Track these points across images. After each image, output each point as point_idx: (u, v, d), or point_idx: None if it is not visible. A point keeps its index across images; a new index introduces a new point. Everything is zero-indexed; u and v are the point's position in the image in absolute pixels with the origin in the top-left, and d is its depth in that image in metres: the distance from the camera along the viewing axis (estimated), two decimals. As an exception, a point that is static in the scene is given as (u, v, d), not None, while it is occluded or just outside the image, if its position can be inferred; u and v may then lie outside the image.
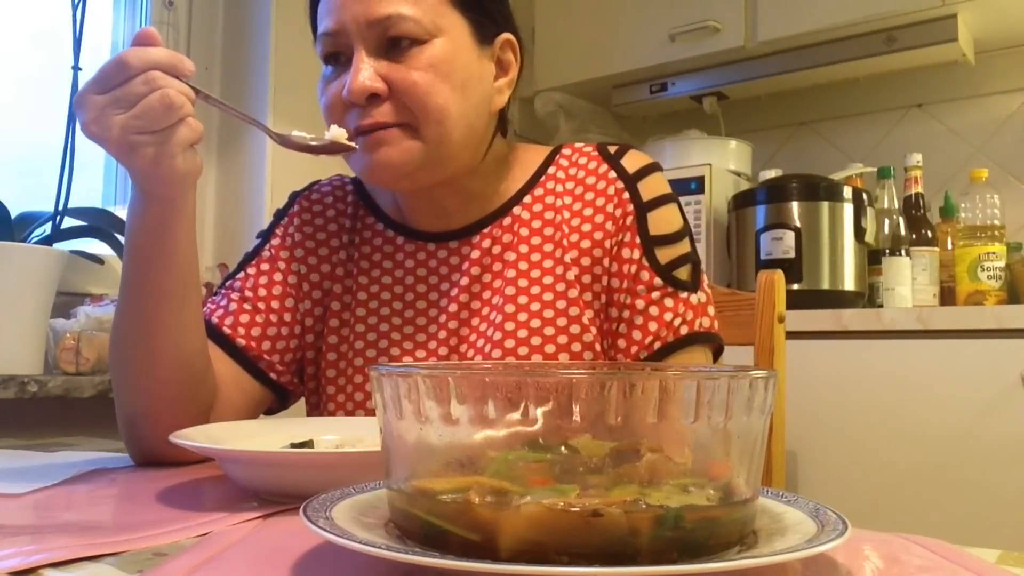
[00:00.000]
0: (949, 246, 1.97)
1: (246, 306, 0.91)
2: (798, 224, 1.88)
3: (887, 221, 1.98)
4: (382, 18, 0.80)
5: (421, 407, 0.40)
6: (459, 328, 0.89)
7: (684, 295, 0.87)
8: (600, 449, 0.39)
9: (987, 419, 1.54)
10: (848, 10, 1.99)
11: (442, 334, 0.89)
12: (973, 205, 1.90)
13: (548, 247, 0.89)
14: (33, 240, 1.45)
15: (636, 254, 0.87)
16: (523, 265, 0.89)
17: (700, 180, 2.02)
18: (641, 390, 0.39)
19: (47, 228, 1.46)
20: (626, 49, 2.29)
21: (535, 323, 0.86)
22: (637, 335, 0.86)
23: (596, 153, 0.93)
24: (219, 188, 1.87)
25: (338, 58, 0.84)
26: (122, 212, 1.72)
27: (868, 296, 1.94)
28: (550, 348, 0.85)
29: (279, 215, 1.00)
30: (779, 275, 1.14)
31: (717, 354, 0.91)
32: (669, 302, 0.86)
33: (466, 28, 0.84)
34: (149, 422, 0.79)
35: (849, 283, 1.89)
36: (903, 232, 1.96)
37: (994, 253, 1.82)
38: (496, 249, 0.90)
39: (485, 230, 0.91)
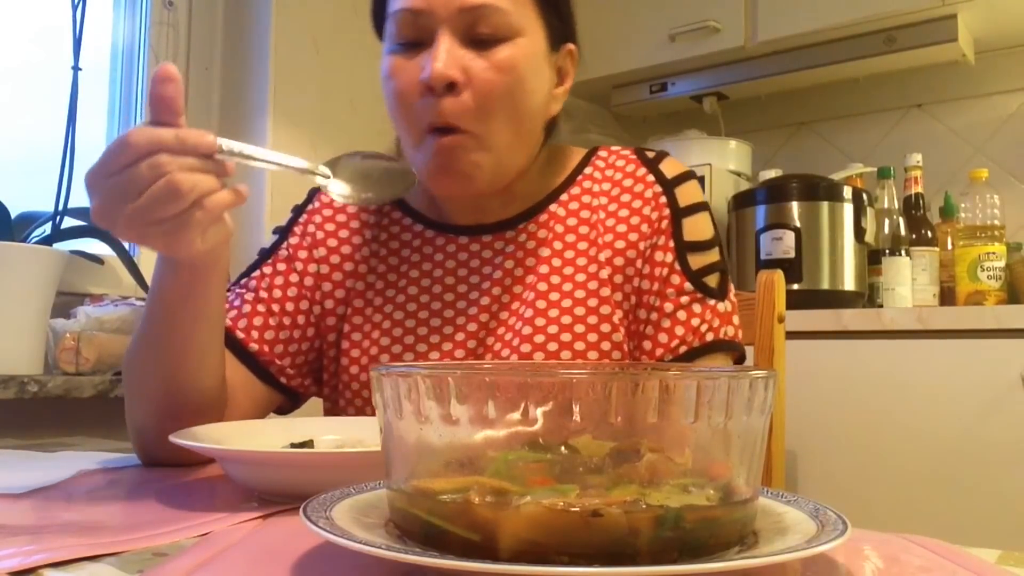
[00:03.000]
0: (949, 246, 1.97)
1: (260, 308, 0.90)
2: (798, 224, 1.88)
3: (887, 221, 1.98)
4: (475, 6, 0.78)
5: (421, 407, 0.40)
6: (489, 322, 0.88)
7: (712, 302, 0.87)
8: (600, 449, 0.39)
9: (987, 419, 1.54)
10: (848, 10, 1.99)
11: (472, 327, 0.88)
12: (973, 205, 1.90)
13: (582, 245, 0.89)
14: (33, 240, 1.45)
15: (669, 257, 0.87)
16: (556, 262, 0.88)
17: (700, 180, 2.02)
18: (641, 390, 0.39)
19: (47, 228, 1.46)
20: (626, 49, 2.29)
21: (566, 319, 0.86)
22: (663, 337, 0.86)
23: (634, 156, 0.93)
24: (219, 188, 1.87)
25: (411, 39, 0.81)
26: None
27: (868, 296, 1.94)
28: (579, 345, 0.85)
29: (298, 211, 0.97)
30: (779, 275, 1.14)
31: (738, 363, 0.92)
32: (697, 307, 0.86)
33: (543, 31, 0.84)
34: (160, 435, 0.79)
35: (849, 283, 1.89)
36: (903, 232, 1.96)
37: (994, 253, 1.82)
38: (531, 244, 0.90)
39: (520, 225, 0.90)
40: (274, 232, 0.97)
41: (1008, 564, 0.46)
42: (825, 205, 1.89)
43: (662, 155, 0.94)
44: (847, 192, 1.90)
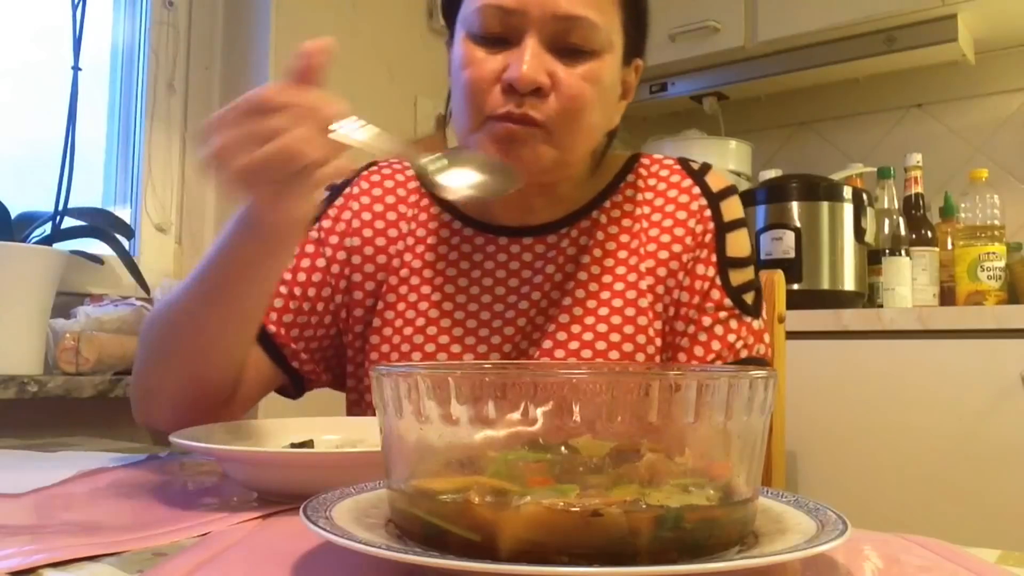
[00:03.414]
0: (949, 246, 1.97)
1: (282, 289, 0.88)
2: (798, 224, 1.88)
3: (887, 221, 1.98)
4: (571, 17, 0.77)
5: (421, 407, 0.40)
6: (526, 327, 0.87)
7: (748, 319, 0.87)
8: (600, 449, 0.39)
9: (987, 419, 1.54)
10: (848, 10, 1.99)
11: (509, 331, 0.87)
12: (973, 205, 1.90)
13: (622, 254, 0.88)
14: (33, 240, 1.45)
15: (711, 272, 0.87)
16: (595, 269, 0.88)
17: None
18: (642, 390, 0.39)
19: (47, 228, 1.46)
20: (626, 49, 2.29)
21: (602, 327, 0.85)
22: (699, 351, 0.86)
23: (679, 167, 0.93)
24: (219, 188, 1.87)
25: (496, 35, 0.79)
26: (122, 212, 1.72)
27: (868, 296, 1.94)
28: (614, 355, 0.84)
29: (335, 191, 0.94)
30: (779, 275, 1.14)
31: None
32: (734, 324, 0.86)
33: (622, 47, 0.84)
34: (169, 403, 0.79)
35: (849, 283, 1.89)
36: (903, 232, 1.96)
37: (994, 253, 1.82)
38: (571, 251, 0.89)
39: (563, 231, 0.89)
40: None
41: (1008, 564, 0.46)
42: (825, 205, 1.89)
43: (707, 167, 0.93)
44: (847, 192, 1.90)
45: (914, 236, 1.96)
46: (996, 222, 1.87)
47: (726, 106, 2.38)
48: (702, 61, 2.23)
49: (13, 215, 1.45)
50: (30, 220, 1.47)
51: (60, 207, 1.45)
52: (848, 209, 1.90)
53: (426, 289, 0.89)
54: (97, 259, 1.59)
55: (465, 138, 0.83)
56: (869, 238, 1.92)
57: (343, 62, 1.97)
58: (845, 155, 2.29)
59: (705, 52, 2.19)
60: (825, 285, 1.87)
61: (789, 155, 2.40)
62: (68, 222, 1.47)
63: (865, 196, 1.93)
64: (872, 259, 1.95)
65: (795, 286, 1.84)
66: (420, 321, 0.88)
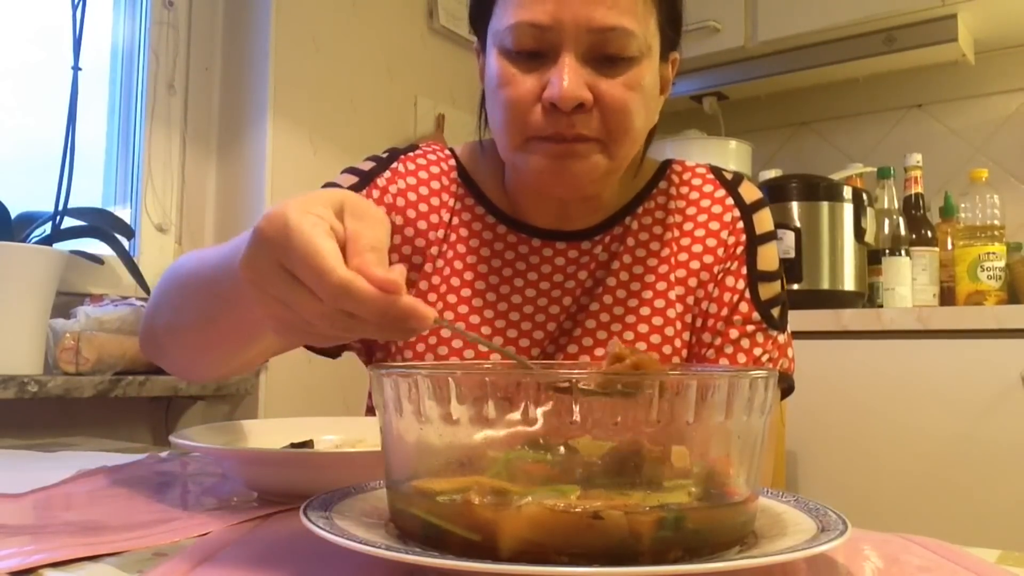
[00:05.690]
0: (949, 246, 1.97)
1: None
2: (798, 224, 1.88)
3: (887, 221, 1.98)
4: (606, 28, 0.75)
5: (421, 407, 0.40)
6: (555, 331, 0.87)
7: (773, 333, 0.87)
8: (600, 449, 0.39)
9: (987, 419, 1.54)
10: (848, 10, 1.99)
11: (538, 335, 0.86)
12: (973, 205, 1.90)
13: (652, 262, 0.88)
14: (33, 240, 1.45)
15: (740, 284, 0.87)
16: (624, 276, 0.87)
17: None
18: (642, 390, 0.39)
19: (47, 228, 1.46)
20: (626, 49, 2.29)
21: (628, 336, 0.85)
22: (724, 363, 0.85)
23: (712, 176, 0.92)
24: (219, 188, 1.87)
25: (531, 50, 0.77)
26: (122, 212, 1.72)
27: (868, 296, 1.94)
28: None
29: (382, 164, 0.90)
30: (779, 275, 1.14)
31: (787, 393, 0.91)
32: (760, 337, 0.86)
33: (659, 45, 0.82)
34: (179, 357, 0.78)
35: (849, 283, 1.89)
36: (903, 232, 1.96)
37: (994, 253, 1.82)
38: (603, 257, 0.88)
39: (596, 237, 0.89)
40: (350, 172, 0.90)
41: (1008, 564, 0.46)
42: (825, 205, 1.89)
43: (740, 177, 0.93)
44: (847, 192, 1.90)
45: (914, 236, 1.96)
46: (996, 222, 1.87)
47: (726, 106, 2.38)
48: (702, 61, 2.23)
49: (13, 215, 1.45)
50: (30, 220, 1.47)
51: (60, 207, 1.45)
52: (848, 209, 1.90)
53: (456, 281, 0.88)
54: (97, 259, 1.59)
55: (509, 156, 0.82)
56: (869, 238, 1.92)
57: (344, 62, 1.97)
58: (845, 155, 2.29)
59: (705, 52, 2.19)
60: (825, 285, 1.87)
61: (789, 155, 2.40)
62: (68, 222, 1.47)
63: (865, 196, 1.93)
64: (872, 259, 1.95)
65: (795, 286, 1.85)
66: (448, 315, 0.87)
